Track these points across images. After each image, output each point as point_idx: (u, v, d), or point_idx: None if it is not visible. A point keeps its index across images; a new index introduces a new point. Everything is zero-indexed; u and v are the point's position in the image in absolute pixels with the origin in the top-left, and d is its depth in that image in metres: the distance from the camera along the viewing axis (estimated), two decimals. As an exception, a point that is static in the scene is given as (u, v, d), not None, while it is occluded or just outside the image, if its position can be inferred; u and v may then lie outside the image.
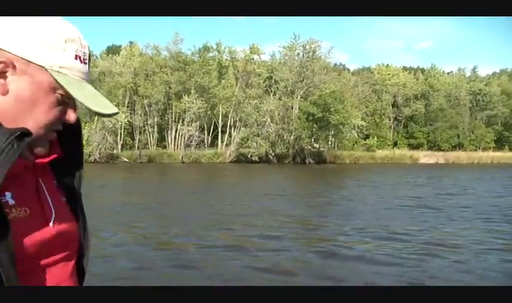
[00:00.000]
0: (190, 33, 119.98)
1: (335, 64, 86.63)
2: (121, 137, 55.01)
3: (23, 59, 1.07)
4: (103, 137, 49.60)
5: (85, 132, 49.73)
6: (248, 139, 55.71)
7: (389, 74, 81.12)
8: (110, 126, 50.32)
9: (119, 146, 54.61)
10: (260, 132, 56.13)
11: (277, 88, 63.60)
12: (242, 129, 57.39)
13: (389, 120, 79.22)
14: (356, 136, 63.20)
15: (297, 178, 37.08)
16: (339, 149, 63.19)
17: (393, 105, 79.20)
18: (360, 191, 26.21)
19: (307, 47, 62.08)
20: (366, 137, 69.69)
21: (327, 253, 10.74)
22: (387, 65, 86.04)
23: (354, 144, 65.67)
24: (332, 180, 36.32)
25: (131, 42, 65.68)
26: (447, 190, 27.23)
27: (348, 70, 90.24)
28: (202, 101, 56.01)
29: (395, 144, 77.04)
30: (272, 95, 62.88)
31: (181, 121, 57.39)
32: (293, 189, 28.19)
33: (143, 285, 7.75)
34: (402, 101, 79.10)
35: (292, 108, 60.14)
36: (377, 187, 28.65)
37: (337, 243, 11.85)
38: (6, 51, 1.06)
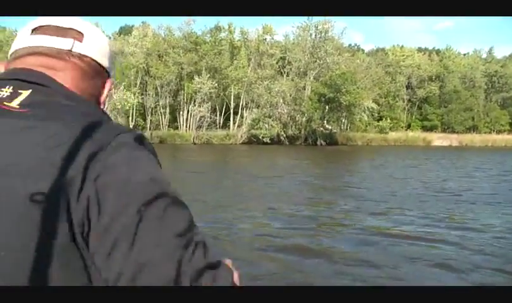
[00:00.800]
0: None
1: (349, 45, 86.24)
2: (132, 118, 55.15)
3: (111, 78, 1.23)
4: (115, 118, 49.67)
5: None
6: (259, 121, 55.48)
7: (403, 56, 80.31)
8: (119, 107, 50.30)
9: (131, 127, 54.66)
10: (271, 114, 55.90)
11: (290, 69, 63.34)
12: (254, 110, 57.16)
13: (403, 102, 78.58)
14: (366, 118, 62.51)
15: (311, 159, 36.68)
16: (352, 131, 62.92)
17: (407, 87, 78.54)
18: (377, 174, 25.72)
19: (319, 27, 61.46)
20: (380, 119, 69.30)
21: (350, 236, 10.47)
22: (402, 46, 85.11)
23: (367, 126, 65.28)
24: (346, 162, 36.00)
25: (143, 22, 65.44)
26: (471, 173, 26.77)
27: (363, 51, 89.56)
28: (213, 82, 55.85)
29: (409, 126, 76.63)
30: (285, 76, 62.59)
31: (192, 102, 57.31)
32: (308, 170, 27.93)
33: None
34: (416, 82, 78.38)
35: (304, 89, 59.85)
36: (396, 169, 28.26)
37: (357, 226, 11.49)
38: (107, 71, 1.21)
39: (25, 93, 0.99)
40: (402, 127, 74.29)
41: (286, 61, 64.61)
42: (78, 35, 1.12)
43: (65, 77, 1.08)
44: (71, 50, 1.10)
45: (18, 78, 1.03)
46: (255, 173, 24.66)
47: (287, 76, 62.51)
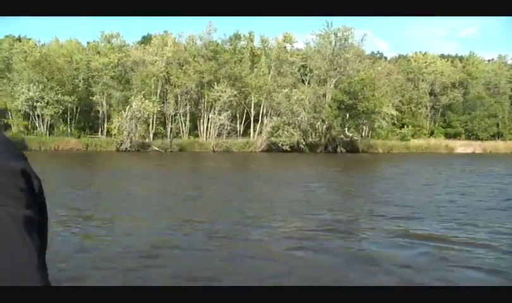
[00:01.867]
0: (224, 23, 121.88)
1: (372, 52, 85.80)
2: (152, 126, 55.62)
3: None
4: (134, 126, 50.20)
5: (116, 121, 50.56)
6: (279, 128, 55.44)
7: (425, 62, 79.50)
8: (139, 115, 50.72)
9: (151, 135, 55.26)
10: (291, 121, 55.84)
11: (312, 76, 63.24)
12: (273, 118, 57.14)
13: (426, 109, 77.77)
14: (385, 125, 61.85)
15: (328, 166, 36.30)
16: (373, 139, 62.57)
17: (430, 94, 77.66)
18: (402, 180, 25.66)
19: (339, 35, 61.36)
20: (402, 126, 68.77)
21: (374, 239, 10.71)
22: (425, 53, 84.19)
23: (388, 133, 64.79)
24: (365, 169, 35.78)
25: (165, 32, 65.90)
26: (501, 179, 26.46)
27: (385, 58, 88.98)
28: (233, 90, 56.07)
29: (431, 134, 75.75)
30: (307, 83, 62.46)
31: (212, 110, 57.56)
32: (331, 177, 27.81)
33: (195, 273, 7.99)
34: (439, 89, 77.45)
35: (324, 96, 59.69)
36: (417, 176, 28.07)
37: (381, 230, 11.65)
38: None
39: None
40: (425, 135, 73.45)
41: (308, 69, 64.48)
42: None
43: None
44: None
45: None
46: (275, 180, 24.68)
47: (309, 84, 62.37)
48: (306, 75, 64.51)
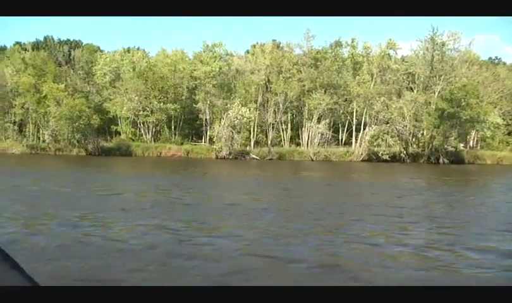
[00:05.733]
0: (322, 31, 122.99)
1: (489, 58, 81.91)
2: (253, 134, 56.85)
3: None
4: (230, 134, 51.57)
5: (216, 128, 52.37)
6: (378, 137, 54.49)
7: (546, 66, 74.34)
8: (236, 123, 52.06)
9: (252, 143, 56.53)
10: (390, 130, 54.63)
11: (417, 84, 61.45)
12: (373, 126, 56.20)
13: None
14: (488, 134, 58.33)
15: (422, 179, 35.25)
16: (482, 149, 59.55)
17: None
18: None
19: (438, 40, 59.20)
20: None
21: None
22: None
23: (499, 144, 61.32)
24: (468, 181, 34.35)
25: (274, 40, 67.01)
26: None
27: (504, 63, 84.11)
28: (333, 98, 56.01)
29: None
30: (415, 91, 60.60)
31: (312, 118, 57.74)
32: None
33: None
34: None
35: (430, 104, 57.71)
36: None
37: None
38: None
39: None
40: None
41: (416, 76, 62.62)
42: None
43: None
44: None
45: None
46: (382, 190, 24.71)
47: (417, 91, 60.47)
48: (414, 82, 62.72)
